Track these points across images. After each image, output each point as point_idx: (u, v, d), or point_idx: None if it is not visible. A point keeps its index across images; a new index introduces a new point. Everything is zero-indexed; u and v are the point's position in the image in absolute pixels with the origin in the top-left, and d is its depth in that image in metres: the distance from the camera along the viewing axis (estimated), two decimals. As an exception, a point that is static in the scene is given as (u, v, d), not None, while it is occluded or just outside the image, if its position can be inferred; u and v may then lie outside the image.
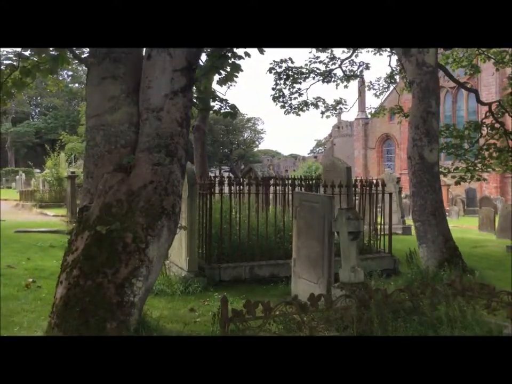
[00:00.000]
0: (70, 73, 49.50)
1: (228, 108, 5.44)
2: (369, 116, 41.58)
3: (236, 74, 5.36)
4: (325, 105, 14.25)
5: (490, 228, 15.24)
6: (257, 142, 66.76)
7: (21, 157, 49.23)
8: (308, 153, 70.83)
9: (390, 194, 8.11)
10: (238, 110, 5.38)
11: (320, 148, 72.32)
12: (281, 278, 6.74)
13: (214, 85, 5.98)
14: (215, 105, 5.51)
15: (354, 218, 4.96)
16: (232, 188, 7.26)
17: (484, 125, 10.19)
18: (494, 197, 27.11)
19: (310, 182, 7.74)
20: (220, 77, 4.98)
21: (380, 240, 8.10)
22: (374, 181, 8.02)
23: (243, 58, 4.58)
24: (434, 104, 6.99)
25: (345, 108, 14.76)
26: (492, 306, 4.49)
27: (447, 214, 24.18)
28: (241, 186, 7.14)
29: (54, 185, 20.18)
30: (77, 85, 50.11)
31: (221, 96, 5.34)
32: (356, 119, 43.49)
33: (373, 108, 15.66)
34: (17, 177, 29.87)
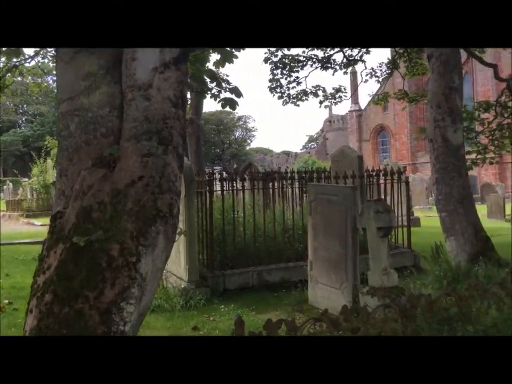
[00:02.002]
0: (55, 78, 48.37)
1: (228, 90, 4.65)
2: (362, 107, 41.09)
3: (236, 54, 4.57)
4: (324, 94, 13.44)
5: (500, 215, 14.61)
6: (248, 141, 66.17)
7: (9, 167, 48.09)
8: (301, 149, 70.24)
9: (407, 183, 7.36)
10: (241, 94, 4.56)
11: (313, 143, 71.77)
12: (294, 283, 5.96)
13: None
14: (213, 88, 4.73)
15: (384, 211, 4.19)
16: (234, 184, 6.46)
17: (497, 104, 9.47)
18: (495, 183, 26.59)
19: (323, 175, 6.96)
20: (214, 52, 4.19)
21: (396, 234, 7.36)
22: (389, 170, 7.26)
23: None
24: (457, 79, 6.24)
25: (345, 96, 13.95)
26: (557, 309, 3.75)
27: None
28: (243, 183, 6.34)
29: (41, 193, 19.32)
30: (62, 89, 49.00)
31: (220, 76, 4.55)
32: (349, 111, 42.84)
33: (376, 95, 14.84)
34: (5, 187, 28.90)
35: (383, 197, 7.38)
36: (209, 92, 4.68)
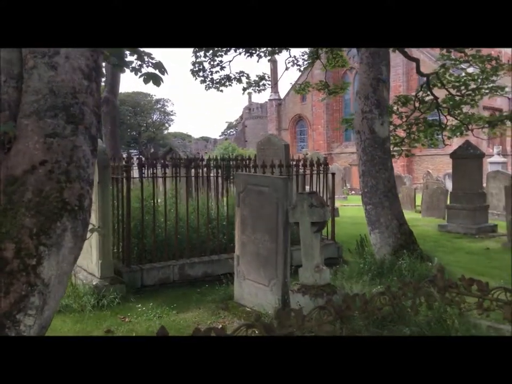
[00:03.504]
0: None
1: (151, 65, 4.15)
2: (282, 96, 41.48)
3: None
4: (248, 80, 13.12)
5: (411, 206, 15.30)
6: (167, 124, 64.43)
7: None
8: (219, 136, 69.80)
9: (333, 174, 7.29)
10: (165, 71, 4.09)
11: (232, 129, 71.56)
12: (217, 277, 5.64)
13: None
14: (134, 61, 4.21)
15: (318, 205, 3.97)
16: (154, 171, 5.94)
17: (415, 99, 9.76)
18: (403, 175, 28.10)
19: (248, 163, 6.63)
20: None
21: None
22: (311, 160, 7.13)
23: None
24: (385, 71, 6.20)
25: (269, 84, 13.75)
26: (483, 306, 3.76)
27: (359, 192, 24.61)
28: (165, 169, 5.85)
29: None
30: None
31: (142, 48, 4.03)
32: (269, 100, 43.02)
33: (297, 84, 14.78)
34: None
35: (307, 187, 7.25)
36: (130, 68, 4.15)
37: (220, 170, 6.74)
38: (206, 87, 12.65)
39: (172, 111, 72.98)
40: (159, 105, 61.79)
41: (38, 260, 2.42)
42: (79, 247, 2.71)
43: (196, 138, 65.19)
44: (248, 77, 13.07)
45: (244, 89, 13.56)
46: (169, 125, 65.07)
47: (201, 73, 12.39)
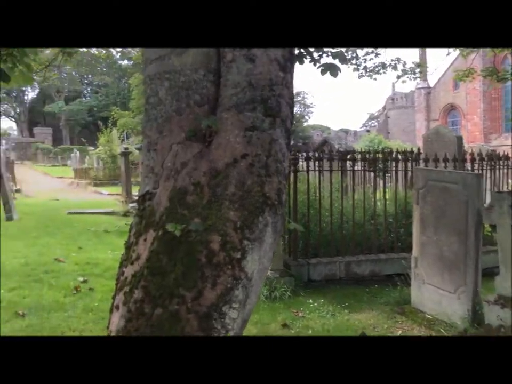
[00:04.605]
0: (119, 49, 48.85)
1: (330, 55, 4.01)
2: (430, 84, 38.72)
3: None
4: (403, 68, 12.38)
5: None
6: (306, 117, 64.90)
7: (75, 135, 49.73)
8: (360, 127, 68.03)
9: (516, 169, 6.45)
10: (346, 60, 3.92)
11: (373, 121, 69.28)
12: (385, 277, 5.34)
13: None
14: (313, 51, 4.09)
15: (524, 206, 3.44)
16: (320, 164, 5.81)
17: None
18: None
19: (415, 156, 6.15)
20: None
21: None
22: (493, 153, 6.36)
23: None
24: None
25: (421, 72, 12.83)
26: None
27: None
28: (331, 163, 5.69)
29: (107, 162, 19.60)
30: (126, 61, 49.49)
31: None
32: (417, 88, 40.57)
33: (460, 71, 13.48)
34: (72, 155, 29.78)
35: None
36: (308, 57, 4.04)
37: (382, 164, 6.36)
38: (359, 76, 12.24)
39: (311, 103, 73.30)
40: (299, 98, 62.46)
41: (242, 254, 2.40)
42: (277, 242, 2.65)
43: (335, 131, 64.48)
44: (404, 64, 12.34)
45: (398, 77, 12.85)
46: (309, 117, 65.54)
47: (354, 61, 11.99)
